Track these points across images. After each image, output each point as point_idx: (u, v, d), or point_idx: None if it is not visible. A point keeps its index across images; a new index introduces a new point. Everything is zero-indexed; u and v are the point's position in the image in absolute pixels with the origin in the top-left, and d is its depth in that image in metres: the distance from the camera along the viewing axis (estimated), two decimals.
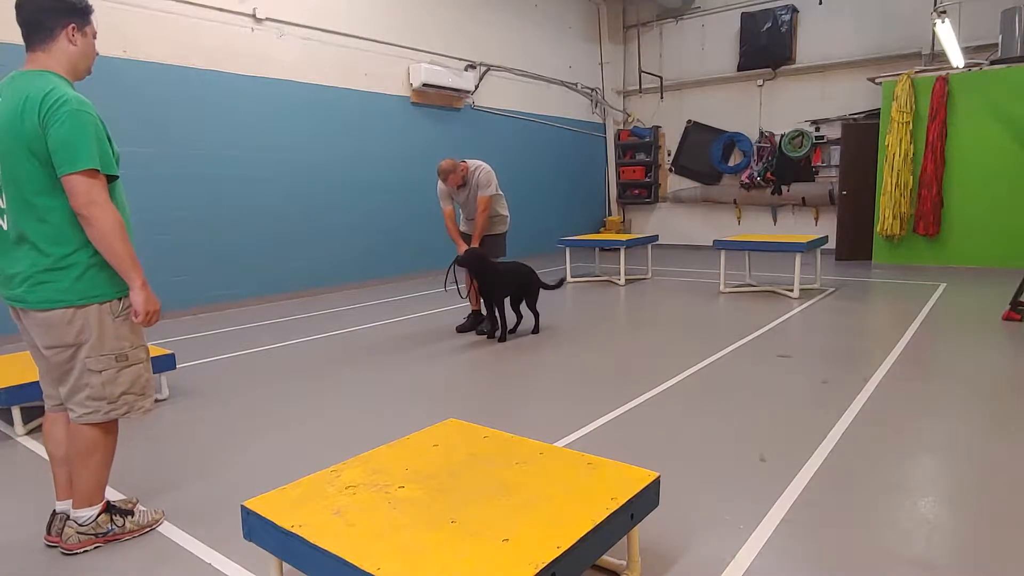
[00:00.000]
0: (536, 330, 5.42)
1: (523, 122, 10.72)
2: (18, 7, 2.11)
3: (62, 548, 2.25)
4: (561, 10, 11.39)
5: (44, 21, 2.12)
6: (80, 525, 2.25)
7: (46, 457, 3.07)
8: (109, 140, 2.15)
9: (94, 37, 2.23)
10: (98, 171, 2.05)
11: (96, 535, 2.27)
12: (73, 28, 2.15)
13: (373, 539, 1.67)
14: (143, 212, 6.17)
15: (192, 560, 2.20)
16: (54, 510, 2.34)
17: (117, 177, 2.18)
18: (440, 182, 5.48)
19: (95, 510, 2.27)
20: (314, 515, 1.79)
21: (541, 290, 5.44)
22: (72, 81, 2.18)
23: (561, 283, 5.80)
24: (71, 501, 2.28)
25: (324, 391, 4.09)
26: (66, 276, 2.10)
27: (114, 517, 2.32)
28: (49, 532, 2.30)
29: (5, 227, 2.13)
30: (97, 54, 2.29)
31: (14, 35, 4.93)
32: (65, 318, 2.11)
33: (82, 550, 2.25)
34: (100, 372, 2.18)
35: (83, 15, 2.18)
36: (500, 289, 5.18)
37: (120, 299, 2.20)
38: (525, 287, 5.35)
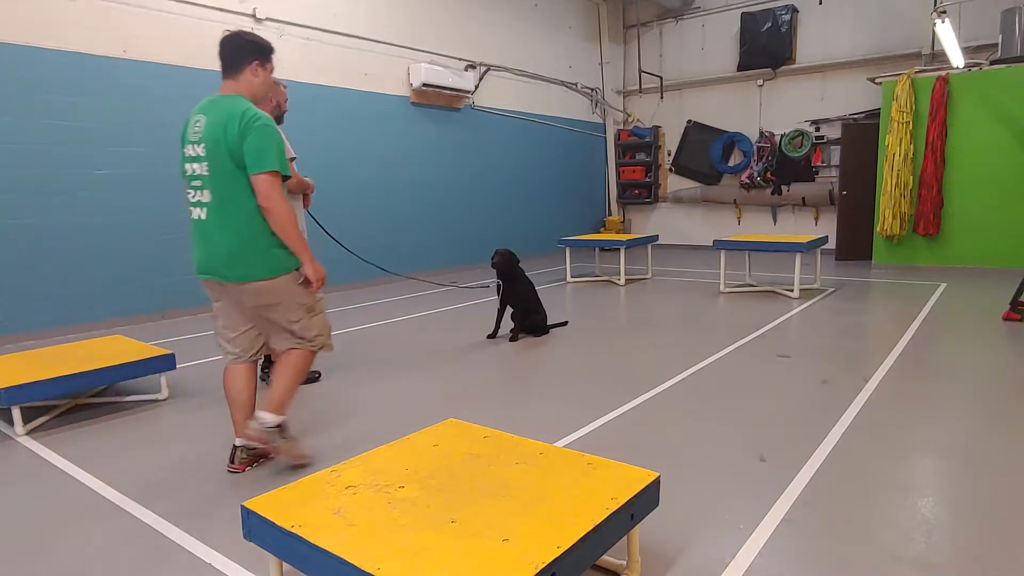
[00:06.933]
0: (514, 338, 5.32)
1: (523, 122, 10.72)
2: (221, 44, 2.72)
3: (239, 451, 2.85)
4: (561, 10, 11.39)
5: (237, 57, 2.71)
6: (262, 424, 2.75)
7: (47, 458, 3.09)
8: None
9: (271, 73, 2.82)
10: (278, 172, 2.59)
11: (266, 441, 2.77)
12: (257, 64, 2.74)
13: (373, 539, 1.67)
14: (144, 212, 6.19)
15: (192, 560, 2.20)
16: (234, 444, 2.85)
17: (289, 177, 2.71)
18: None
19: (276, 420, 2.78)
20: (314, 515, 1.79)
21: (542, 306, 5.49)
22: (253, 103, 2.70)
23: (565, 323, 5.77)
24: (246, 437, 2.77)
25: (323, 391, 4.08)
26: (262, 255, 2.65)
27: (283, 435, 2.85)
28: (232, 461, 2.84)
29: (204, 217, 2.67)
30: (273, 84, 2.91)
31: (15, 35, 4.97)
32: (267, 285, 2.67)
33: (255, 447, 2.83)
34: (298, 321, 2.78)
35: (266, 55, 2.77)
36: (515, 299, 5.33)
37: (299, 269, 2.75)
38: (535, 312, 5.40)
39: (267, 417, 2.77)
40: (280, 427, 2.82)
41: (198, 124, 2.66)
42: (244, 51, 2.72)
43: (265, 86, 2.80)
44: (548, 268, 9.59)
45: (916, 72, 8.77)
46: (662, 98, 12.41)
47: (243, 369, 2.86)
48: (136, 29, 6.05)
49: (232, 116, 2.56)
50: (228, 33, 2.76)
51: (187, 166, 2.72)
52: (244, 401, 2.85)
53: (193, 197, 2.72)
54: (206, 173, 2.64)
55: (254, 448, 2.85)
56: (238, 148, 2.56)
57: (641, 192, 12.71)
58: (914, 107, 8.69)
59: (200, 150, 2.64)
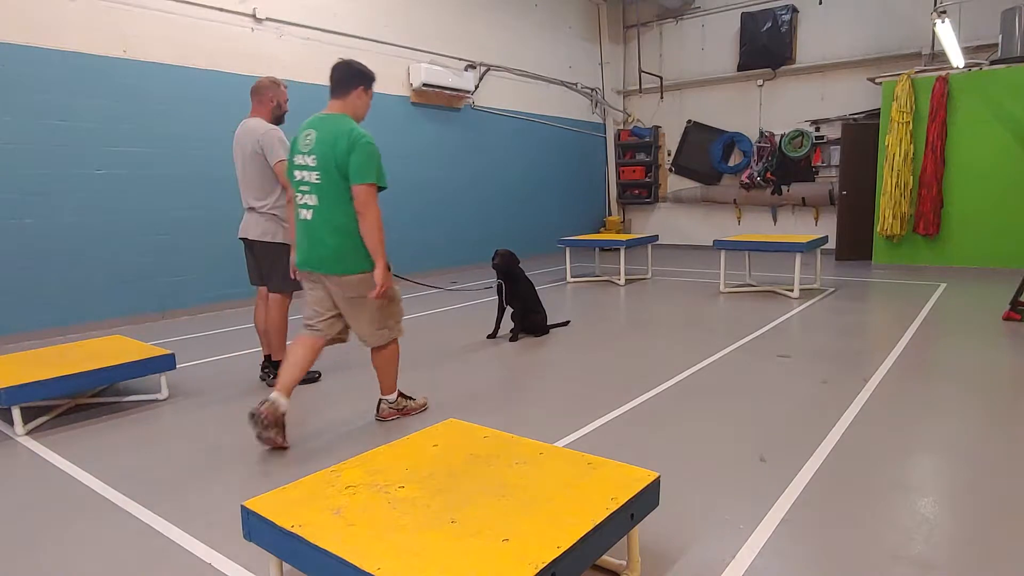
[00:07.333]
0: (514, 338, 5.31)
1: (523, 122, 10.72)
2: (333, 69, 3.14)
3: (378, 418, 3.48)
4: (561, 10, 11.39)
5: (347, 82, 3.14)
6: (391, 403, 3.48)
7: (47, 458, 3.09)
8: None
9: (370, 97, 3.24)
10: (375, 184, 3.02)
11: (398, 409, 3.50)
12: (362, 89, 3.17)
13: (373, 539, 1.67)
14: (143, 212, 6.19)
15: (192, 560, 2.20)
16: (264, 399, 3.03)
17: (385, 188, 3.09)
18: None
19: (395, 395, 3.49)
20: (314, 515, 1.79)
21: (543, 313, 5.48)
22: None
23: (567, 323, 5.76)
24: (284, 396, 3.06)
25: (323, 391, 4.08)
26: (358, 253, 3.09)
27: (404, 399, 3.55)
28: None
29: (311, 218, 3.08)
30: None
31: (14, 35, 5.00)
32: (360, 278, 3.11)
33: (392, 419, 3.49)
34: (379, 308, 3.21)
35: (370, 81, 3.22)
36: (516, 299, 5.33)
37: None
38: (535, 312, 5.40)
39: (389, 397, 3.49)
40: (401, 394, 3.53)
41: (308, 137, 3.07)
42: (354, 77, 3.15)
43: (366, 108, 3.23)
44: (548, 268, 9.59)
45: (916, 72, 8.77)
46: (662, 98, 12.41)
47: (314, 341, 3.24)
48: (135, 29, 6.05)
49: (341, 134, 2.99)
50: (340, 60, 3.18)
51: (296, 173, 3.11)
52: (301, 367, 3.15)
53: (300, 200, 3.11)
54: (316, 181, 3.04)
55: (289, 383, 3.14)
56: (344, 161, 2.97)
57: (641, 192, 12.71)
58: (914, 107, 8.69)
59: (311, 160, 3.04)
